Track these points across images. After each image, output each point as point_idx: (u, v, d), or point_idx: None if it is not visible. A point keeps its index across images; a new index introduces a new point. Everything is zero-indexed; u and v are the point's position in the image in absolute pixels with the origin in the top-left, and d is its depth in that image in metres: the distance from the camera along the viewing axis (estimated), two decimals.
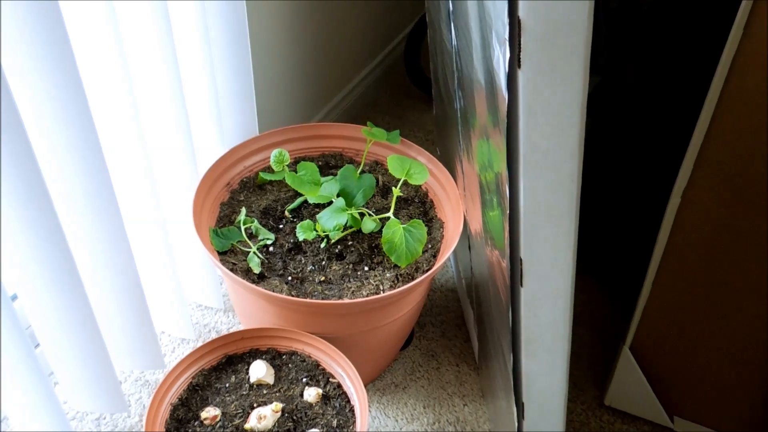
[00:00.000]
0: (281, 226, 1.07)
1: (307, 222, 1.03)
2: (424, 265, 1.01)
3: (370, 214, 1.05)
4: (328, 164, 1.18)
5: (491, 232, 0.70)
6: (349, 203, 1.06)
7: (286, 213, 1.09)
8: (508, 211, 0.56)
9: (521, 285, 0.59)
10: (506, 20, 0.46)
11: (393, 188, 1.06)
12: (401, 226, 0.99)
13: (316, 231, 1.02)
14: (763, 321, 0.97)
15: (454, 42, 0.79)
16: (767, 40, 0.90)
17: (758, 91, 0.91)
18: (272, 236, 1.04)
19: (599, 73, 1.18)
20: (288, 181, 1.04)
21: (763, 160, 0.92)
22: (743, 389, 1.02)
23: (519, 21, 0.45)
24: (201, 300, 1.22)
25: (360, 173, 1.11)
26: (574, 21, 0.45)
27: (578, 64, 0.47)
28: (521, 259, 0.57)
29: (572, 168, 0.53)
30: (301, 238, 1.01)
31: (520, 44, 0.46)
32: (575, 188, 0.54)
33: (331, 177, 1.10)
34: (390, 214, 1.04)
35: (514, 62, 0.47)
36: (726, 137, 0.95)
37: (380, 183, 1.14)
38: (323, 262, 1.02)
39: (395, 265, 1.01)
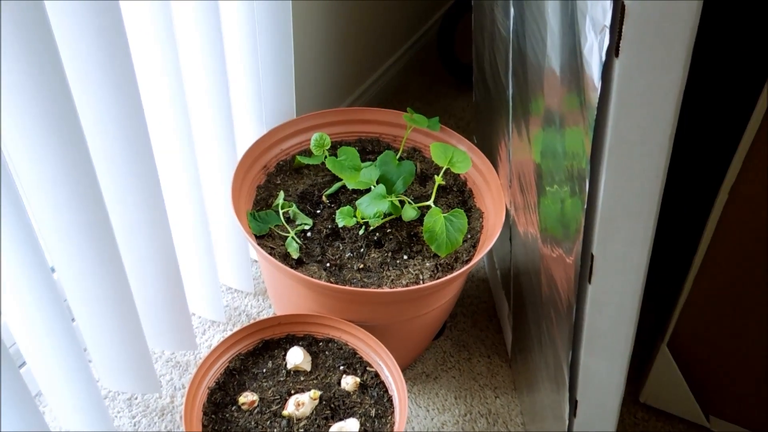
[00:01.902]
0: (318, 211, 1.05)
1: (347, 208, 1.01)
2: (464, 255, 1.00)
3: (410, 202, 1.03)
4: (365, 149, 1.16)
5: (551, 225, 0.68)
6: (389, 190, 1.04)
7: (324, 198, 1.07)
8: (585, 205, 0.54)
9: (589, 282, 0.57)
10: (609, 5, 0.43)
11: (435, 176, 1.04)
12: (442, 215, 0.97)
13: (356, 217, 1.00)
14: None
15: (513, 27, 0.76)
16: None
17: None
18: (310, 221, 1.03)
19: None
20: (329, 166, 1.02)
21: None
22: None
23: (623, 6, 0.43)
24: (232, 283, 1.21)
25: (399, 159, 1.09)
26: (682, 8, 0.42)
27: (681, 54, 0.44)
28: (593, 255, 0.56)
29: (659, 162, 0.51)
30: (340, 225, 1.00)
31: (620, 32, 0.44)
32: (660, 184, 0.52)
33: (369, 163, 1.08)
34: (430, 202, 1.02)
35: (612, 50, 0.45)
36: None
37: (418, 170, 1.12)
38: (362, 250, 1.00)
39: (434, 255, 0.99)
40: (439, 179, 1.03)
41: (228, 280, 1.20)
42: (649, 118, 0.48)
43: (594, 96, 0.47)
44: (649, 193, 0.52)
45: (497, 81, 0.95)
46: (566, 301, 0.61)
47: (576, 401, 0.68)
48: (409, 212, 1.01)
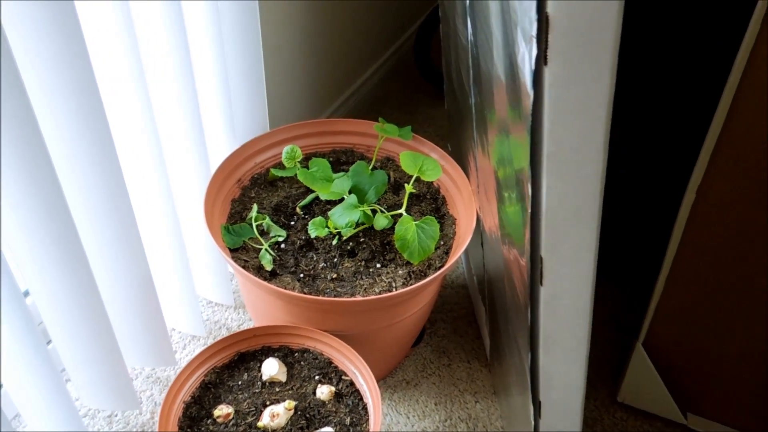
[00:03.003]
0: (293, 222, 1.07)
1: (319, 219, 1.02)
2: (437, 262, 1.01)
3: (382, 211, 1.04)
4: (339, 160, 1.17)
5: (508, 229, 0.69)
6: (361, 200, 1.05)
7: (298, 210, 1.08)
8: (529, 210, 0.55)
9: (541, 284, 0.58)
10: (534, 16, 0.45)
11: (405, 185, 1.05)
12: (414, 222, 0.99)
13: (328, 228, 1.01)
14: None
15: (471, 37, 0.78)
16: None
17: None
18: (284, 233, 1.04)
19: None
20: (300, 178, 1.03)
21: None
22: (756, 385, 1.01)
23: (547, 17, 0.44)
24: (212, 297, 1.21)
25: (372, 169, 1.10)
26: (603, 17, 0.44)
27: (607, 62, 0.46)
28: (542, 258, 0.57)
29: (597, 166, 0.52)
30: (313, 235, 1.01)
31: (547, 41, 0.45)
32: (599, 186, 0.53)
33: (342, 173, 1.09)
34: (402, 210, 1.03)
35: (541, 59, 0.47)
36: (741, 133, 0.94)
37: (392, 179, 1.13)
38: (335, 259, 1.01)
39: (407, 262, 1.00)
40: (409, 188, 1.04)
41: (208, 294, 1.21)
42: (583, 124, 0.49)
43: (528, 103, 0.49)
44: (590, 197, 0.53)
45: (462, 90, 0.97)
46: (523, 304, 0.62)
47: (539, 402, 0.69)
48: (381, 221, 1.02)
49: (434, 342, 1.20)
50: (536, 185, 0.54)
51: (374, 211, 1.04)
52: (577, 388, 0.67)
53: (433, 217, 1.00)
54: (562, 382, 0.66)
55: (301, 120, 1.39)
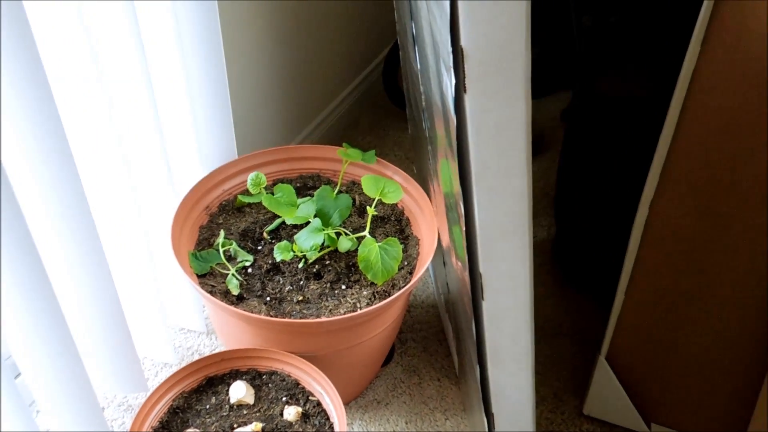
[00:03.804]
0: (260, 247, 1.09)
1: (284, 243, 1.05)
2: (401, 281, 1.03)
3: (346, 234, 1.07)
4: (306, 185, 1.20)
5: (456, 248, 0.72)
6: (326, 223, 1.08)
7: (265, 234, 1.11)
8: (464, 228, 0.58)
9: (482, 299, 0.61)
10: (450, 49, 0.48)
11: (368, 207, 1.08)
12: (377, 244, 1.01)
13: (294, 251, 1.04)
14: (734, 327, 0.99)
15: (419, 65, 0.82)
16: (726, 52, 0.94)
17: (719, 103, 0.94)
18: (251, 258, 1.06)
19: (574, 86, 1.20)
20: (265, 204, 1.06)
21: (726, 171, 0.95)
22: (717, 395, 1.04)
23: (462, 50, 0.47)
24: (184, 323, 1.23)
25: (337, 193, 1.13)
26: (512, 49, 0.47)
27: (520, 88, 0.49)
28: (480, 274, 0.60)
29: (522, 185, 0.55)
30: (278, 259, 1.03)
31: (464, 71, 0.48)
32: (527, 204, 0.56)
33: (308, 198, 1.12)
34: (366, 233, 1.06)
35: (460, 88, 0.50)
36: (690, 149, 0.98)
37: (357, 202, 1.16)
38: (301, 282, 1.03)
39: (372, 283, 1.03)
40: (371, 210, 1.07)
41: (180, 320, 1.23)
42: (504, 146, 0.52)
43: (453, 127, 0.52)
44: (519, 214, 0.56)
45: (418, 115, 1.00)
46: (469, 318, 0.65)
47: (492, 414, 0.71)
48: (345, 243, 1.05)
49: (405, 361, 1.22)
50: (468, 205, 0.57)
51: (339, 234, 1.07)
52: (526, 398, 0.69)
53: (396, 239, 1.03)
54: (512, 393, 0.68)
55: (272, 146, 1.43)
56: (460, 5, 0.46)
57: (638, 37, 1.17)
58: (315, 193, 1.12)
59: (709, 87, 0.95)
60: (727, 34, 0.93)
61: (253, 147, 1.40)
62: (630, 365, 1.09)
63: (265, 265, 1.05)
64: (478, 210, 0.56)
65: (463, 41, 0.48)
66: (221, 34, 1.05)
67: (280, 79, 1.46)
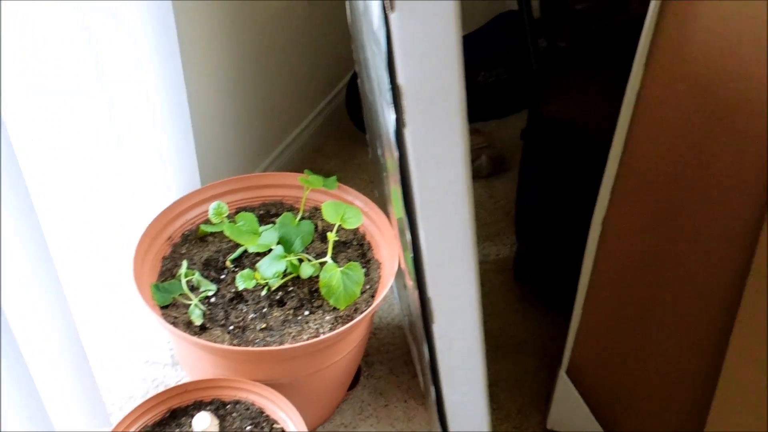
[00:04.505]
0: (223, 276, 1.10)
1: (246, 271, 1.05)
2: (363, 305, 1.05)
3: (309, 260, 1.08)
4: (269, 213, 1.21)
5: (409, 271, 0.74)
6: (289, 250, 1.09)
7: (228, 263, 1.11)
8: (412, 254, 0.60)
9: (432, 322, 0.63)
10: (389, 86, 0.51)
11: (328, 234, 1.10)
12: (338, 269, 1.03)
13: (256, 279, 1.05)
14: (687, 338, 1.02)
15: (369, 95, 0.84)
16: (667, 74, 0.99)
17: (663, 121, 0.99)
18: (214, 287, 1.07)
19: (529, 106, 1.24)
20: (227, 233, 1.07)
21: (673, 186, 0.99)
22: (673, 404, 1.07)
23: (399, 86, 0.50)
24: (149, 356, 1.22)
25: (300, 220, 1.15)
26: (446, 84, 0.50)
27: (456, 121, 0.52)
28: (430, 298, 0.62)
29: (464, 213, 0.57)
30: (241, 288, 1.04)
31: (403, 106, 0.51)
32: (470, 230, 0.59)
33: (270, 225, 1.13)
34: (327, 258, 1.07)
35: (400, 122, 0.52)
36: (637, 167, 1.02)
37: (320, 228, 1.18)
38: (264, 310, 1.04)
39: (335, 308, 1.04)
40: (331, 236, 1.08)
41: (145, 352, 1.22)
42: (445, 175, 0.55)
43: (395, 157, 0.54)
44: (463, 240, 0.59)
45: (374, 141, 1.03)
46: (421, 340, 0.66)
47: None
48: (307, 270, 1.06)
49: (371, 384, 1.23)
50: (414, 232, 0.59)
51: (301, 260, 1.08)
52: (481, 417, 0.71)
53: (358, 263, 1.05)
54: (467, 412, 0.70)
55: (237, 174, 1.44)
56: (396, 44, 0.49)
57: (586, 60, 1.21)
58: (277, 220, 1.13)
59: (653, 107, 1.00)
60: (669, 57, 0.98)
61: (217, 175, 1.41)
62: (590, 378, 1.11)
63: (229, 294, 1.06)
64: (424, 237, 0.58)
65: (400, 78, 0.50)
66: (182, 61, 1.07)
67: (243, 106, 1.47)
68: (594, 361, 1.10)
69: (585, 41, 1.21)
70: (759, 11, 0.91)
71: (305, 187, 1.18)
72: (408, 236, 0.59)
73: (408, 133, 0.53)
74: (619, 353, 1.08)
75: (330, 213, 1.08)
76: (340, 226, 1.09)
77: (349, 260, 1.12)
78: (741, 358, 0.94)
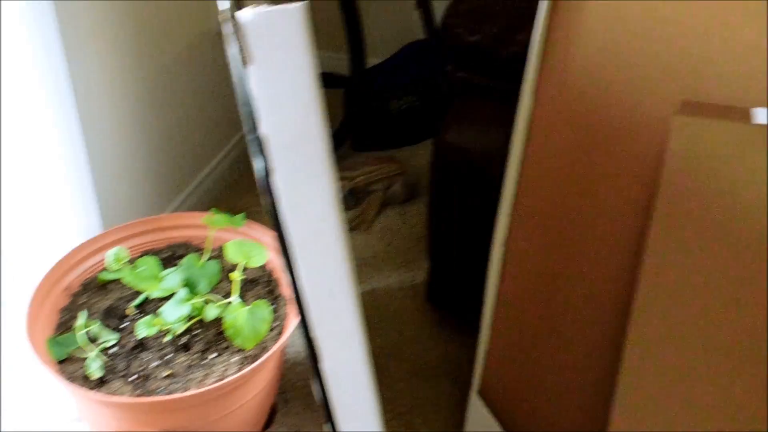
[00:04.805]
0: (125, 324, 1.06)
1: (148, 317, 1.03)
2: (271, 343, 1.04)
3: (214, 301, 1.07)
4: (175, 255, 1.19)
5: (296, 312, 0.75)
6: (194, 292, 1.07)
7: (131, 310, 1.08)
8: (293, 295, 0.61)
9: (320, 360, 0.63)
10: (253, 135, 0.52)
11: (231, 274, 1.09)
12: (244, 308, 1.02)
13: (158, 325, 1.02)
14: (590, 351, 1.07)
15: None
16: (553, 101, 1.04)
17: (552, 146, 1.04)
18: (115, 337, 1.03)
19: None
20: (125, 281, 1.04)
21: (567, 207, 1.05)
22: (581, 415, 1.11)
23: (263, 136, 0.51)
24: (52, 410, 1.17)
25: (207, 260, 1.13)
26: (309, 132, 0.51)
27: (321, 165, 0.53)
28: (315, 337, 0.62)
29: (338, 249, 0.59)
30: (142, 335, 1.01)
31: (269, 154, 0.52)
32: (347, 269, 0.60)
33: (175, 268, 1.11)
34: (232, 298, 1.06)
35: (268, 169, 0.53)
36: (532, 191, 1.07)
37: (227, 267, 1.17)
38: (169, 356, 1.02)
39: (242, 348, 1.03)
40: (234, 276, 1.07)
41: (48, 408, 1.16)
42: (317, 220, 0.56)
43: (267, 203, 0.55)
44: (341, 279, 0.60)
45: None
46: (312, 377, 0.67)
47: None
48: (211, 312, 1.04)
49: (288, 421, 1.21)
50: (293, 272, 0.60)
51: (207, 302, 1.06)
52: None
53: (266, 300, 1.04)
54: None
55: (145, 216, 1.41)
56: (255, 96, 0.50)
57: (483, 89, 1.27)
58: (181, 262, 1.11)
59: (542, 133, 1.05)
60: (553, 87, 1.03)
61: (124, 219, 1.37)
62: (501, 397, 1.14)
63: (130, 343, 1.03)
64: (303, 278, 0.59)
65: (263, 128, 0.51)
66: (79, 104, 1.04)
67: (148, 147, 1.45)
68: (504, 380, 1.13)
69: (480, 71, 1.26)
70: (626, 49, 0.98)
71: (210, 227, 1.17)
72: (288, 277, 0.60)
73: (276, 180, 0.54)
74: (526, 370, 1.11)
75: (234, 253, 1.07)
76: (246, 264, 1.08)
77: (258, 298, 1.11)
78: (636, 362, 0.98)
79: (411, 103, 1.87)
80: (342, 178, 1.71)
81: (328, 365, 0.63)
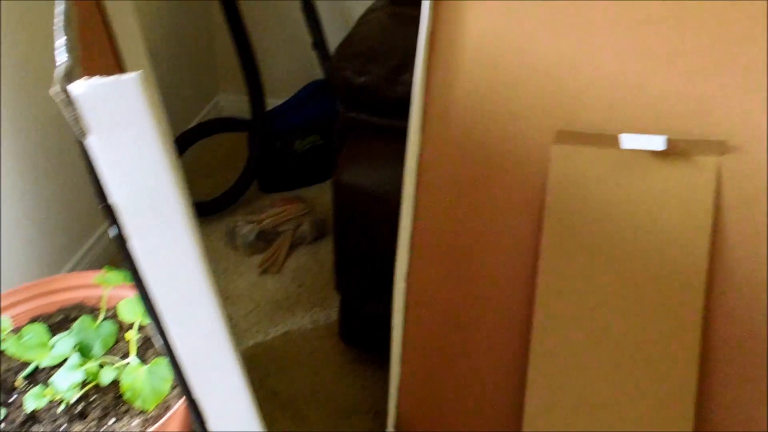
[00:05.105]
0: (14, 398, 1.01)
1: (36, 388, 0.98)
2: (174, 401, 1.01)
3: (110, 364, 1.03)
4: (68, 318, 1.14)
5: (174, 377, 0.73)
6: (88, 356, 1.03)
7: (20, 382, 1.02)
8: (168, 359, 0.60)
9: (206, 423, 0.62)
10: (102, 204, 0.51)
11: (127, 333, 1.05)
12: (143, 368, 0.99)
13: (49, 396, 0.97)
14: (492, 380, 1.09)
15: None
16: (438, 138, 1.08)
17: (441, 179, 1.08)
18: (2, 412, 0.97)
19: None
20: (9, 352, 0.99)
21: (461, 237, 1.08)
22: None
23: (113, 205, 0.51)
24: None
25: (102, 320, 1.09)
26: (162, 194, 0.51)
27: (180, 226, 0.53)
28: (197, 399, 0.61)
29: (210, 309, 0.58)
30: (31, 408, 0.96)
31: (121, 223, 0.51)
32: (222, 327, 0.60)
33: (66, 332, 1.06)
34: (130, 359, 1.03)
35: (123, 236, 0.53)
36: (430, 223, 1.10)
37: (125, 326, 1.13)
38: (63, 427, 0.97)
39: (143, 410, 0.99)
40: (130, 335, 1.04)
41: None
42: (182, 279, 0.56)
43: (130, 270, 0.55)
44: (214, 335, 0.60)
45: None
46: None
47: None
48: (107, 375, 1.00)
49: None
50: (165, 337, 0.59)
51: (102, 366, 1.02)
52: None
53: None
54: None
55: (37, 278, 1.34)
56: (100, 167, 0.49)
57: (375, 128, 1.30)
58: (73, 326, 1.06)
59: (431, 167, 1.09)
60: (437, 124, 1.08)
61: (11, 284, 1.30)
62: (418, 430, 1.15)
63: (19, 417, 0.97)
64: (175, 342, 0.58)
65: (114, 197, 0.51)
66: None
67: (36, 209, 1.39)
68: (417, 413, 1.14)
69: (370, 111, 1.29)
70: (503, 85, 1.04)
71: (104, 286, 1.13)
72: (161, 341, 0.59)
73: (134, 247, 0.53)
74: (439, 401, 1.13)
75: (128, 311, 1.04)
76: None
77: (158, 355, 1.08)
78: (541, 369, 1.02)
79: (315, 142, 1.89)
80: (249, 222, 1.70)
81: (214, 427, 0.62)
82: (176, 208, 0.51)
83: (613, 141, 1.03)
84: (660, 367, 1.01)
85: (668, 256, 1.03)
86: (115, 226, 0.52)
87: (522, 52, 1.07)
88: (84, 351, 1.03)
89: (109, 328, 1.07)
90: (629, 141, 1.03)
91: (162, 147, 0.48)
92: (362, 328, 1.40)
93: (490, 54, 1.08)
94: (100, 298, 1.17)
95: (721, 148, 1.02)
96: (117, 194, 0.50)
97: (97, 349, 1.04)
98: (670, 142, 1.02)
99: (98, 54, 0.65)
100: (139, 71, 0.45)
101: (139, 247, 0.53)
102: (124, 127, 0.46)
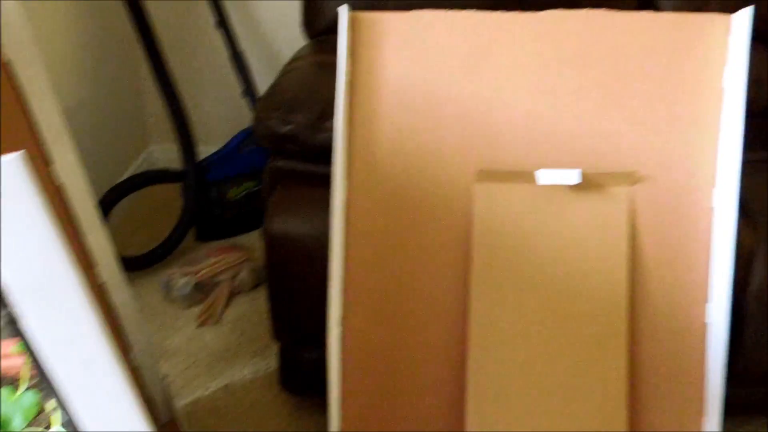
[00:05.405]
0: None
1: None
2: None
3: None
4: None
5: None
6: (9, 429, 0.98)
7: None
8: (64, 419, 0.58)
9: None
10: None
11: (47, 404, 1.01)
12: None
13: None
14: (440, 424, 1.10)
15: None
16: (364, 185, 1.10)
17: (370, 224, 1.10)
18: None
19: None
20: None
21: (395, 281, 1.09)
22: None
23: (5, 286, 0.49)
24: None
25: (24, 391, 1.04)
26: (54, 273, 0.50)
27: (77, 301, 0.52)
28: None
29: (116, 380, 0.57)
30: None
31: (12, 302, 0.50)
32: (131, 399, 0.58)
33: None
34: (53, 429, 0.98)
35: (13, 316, 0.51)
36: (360, 268, 1.11)
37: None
38: None
39: None
40: (53, 404, 1.00)
41: None
42: (83, 352, 0.54)
43: (26, 349, 0.53)
44: (121, 409, 0.58)
45: None
46: None
47: None
48: None
49: None
50: (63, 403, 0.57)
51: None
52: None
53: None
54: None
55: None
56: None
57: (304, 175, 1.31)
58: None
59: (358, 213, 1.10)
60: (362, 171, 1.10)
61: None
62: None
63: None
64: (79, 416, 0.56)
65: (3, 277, 0.49)
66: None
67: None
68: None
69: (297, 158, 1.30)
70: (422, 130, 1.08)
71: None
72: (65, 417, 0.57)
73: (28, 326, 0.52)
74: (384, 417, 1.12)
75: None
76: None
77: None
78: (478, 414, 1.03)
79: (249, 189, 1.89)
80: (185, 273, 1.67)
81: None
82: (70, 283, 0.50)
83: (530, 177, 1.08)
84: (590, 385, 1.05)
85: (591, 283, 1.07)
86: (4, 306, 0.51)
87: (439, 96, 1.11)
88: (4, 424, 0.98)
89: (30, 398, 1.03)
90: (545, 177, 1.07)
91: (51, 224, 0.47)
92: (302, 375, 1.38)
93: (409, 98, 1.12)
94: (20, 368, 1.12)
95: (632, 178, 1.07)
96: (6, 274, 0.49)
97: (18, 422, 1.00)
98: (584, 175, 1.07)
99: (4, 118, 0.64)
100: (22, 150, 0.45)
101: (32, 327, 0.52)
102: (8, 207, 0.45)
